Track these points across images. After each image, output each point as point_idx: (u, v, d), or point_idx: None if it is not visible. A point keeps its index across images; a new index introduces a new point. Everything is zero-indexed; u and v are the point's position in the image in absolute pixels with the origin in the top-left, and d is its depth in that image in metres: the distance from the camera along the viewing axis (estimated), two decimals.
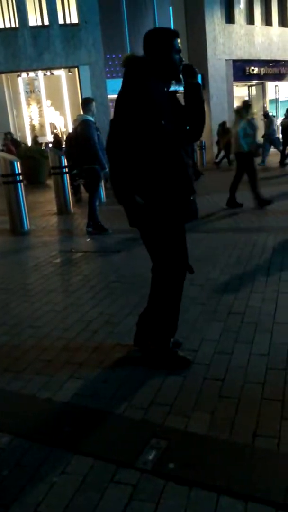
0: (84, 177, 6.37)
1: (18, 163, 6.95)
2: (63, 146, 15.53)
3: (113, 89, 17.48)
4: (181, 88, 2.48)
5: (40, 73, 17.61)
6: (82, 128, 6.04)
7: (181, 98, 2.48)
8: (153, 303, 2.60)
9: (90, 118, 6.11)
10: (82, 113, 6.30)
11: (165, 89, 2.43)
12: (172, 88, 2.49)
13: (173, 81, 2.45)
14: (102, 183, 6.35)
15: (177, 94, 2.50)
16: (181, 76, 2.43)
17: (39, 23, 17.13)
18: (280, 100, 23.30)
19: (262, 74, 21.59)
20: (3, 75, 17.40)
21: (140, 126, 2.27)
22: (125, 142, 2.29)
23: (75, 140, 6.35)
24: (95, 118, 6.34)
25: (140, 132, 2.28)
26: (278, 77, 22.37)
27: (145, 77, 2.32)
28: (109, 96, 17.46)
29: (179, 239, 2.47)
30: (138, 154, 2.31)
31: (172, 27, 18.32)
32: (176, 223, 2.44)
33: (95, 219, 6.39)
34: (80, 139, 6.07)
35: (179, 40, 2.39)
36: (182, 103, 2.48)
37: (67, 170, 8.51)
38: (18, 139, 17.82)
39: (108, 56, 18.22)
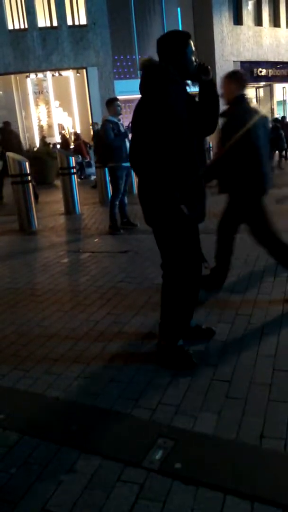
0: None
1: (27, 163, 6.99)
2: (71, 146, 15.60)
3: (121, 90, 17.51)
4: (196, 89, 2.53)
5: (49, 74, 17.68)
6: (102, 128, 6.28)
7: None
8: (165, 300, 2.63)
9: (111, 118, 6.24)
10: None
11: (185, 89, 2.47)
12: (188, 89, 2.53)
13: (190, 81, 2.51)
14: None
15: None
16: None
17: (48, 25, 17.21)
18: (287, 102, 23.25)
19: (270, 75, 21.54)
20: (12, 76, 17.50)
21: (162, 134, 2.32)
22: (154, 151, 2.34)
23: (96, 139, 6.58)
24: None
25: (162, 139, 2.33)
26: (286, 78, 22.31)
27: (165, 85, 2.35)
28: (117, 97, 17.48)
29: (193, 241, 2.53)
30: (158, 159, 2.35)
31: (180, 28, 18.30)
32: (190, 225, 2.49)
33: (112, 216, 6.46)
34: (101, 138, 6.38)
35: (191, 42, 2.46)
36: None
37: (74, 170, 8.56)
38: (26, 140, 17.90)
39: (116, 57, 18.26)
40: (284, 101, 23.05)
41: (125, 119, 19.28)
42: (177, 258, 2.52)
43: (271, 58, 21.28)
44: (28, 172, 7.00)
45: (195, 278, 2.63)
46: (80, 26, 17.28)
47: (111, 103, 6.29)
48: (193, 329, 2.86)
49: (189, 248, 2.53)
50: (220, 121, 2.80)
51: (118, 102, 6.33)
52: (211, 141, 17.39)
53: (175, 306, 2.61)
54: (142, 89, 2.46)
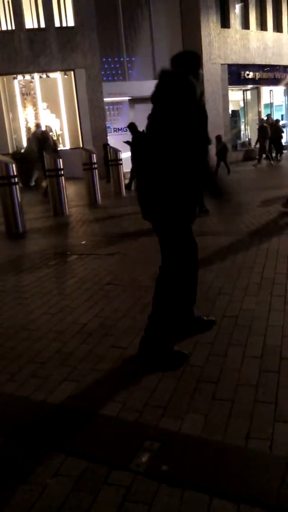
0: None
1: (13, 165, 6.95)
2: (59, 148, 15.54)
3: (109, 92, 17.49)
4: None
5: (36, 75, 17.59)
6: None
7: None
8: (158, 298, 2.69)
9: None
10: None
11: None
12: None
13: None
14: None
15: None
16: None
17: (36, 26, 17.13)
18: (274, 104, 23.43)
19: (257, 78, 21.68)
20: None
21: (181, 142, 2.46)
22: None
23: None
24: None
25: (180, 147, 2.47)
26: (273, 81, 22.47)
27: (191, 98, 2.48)
28: (105, 100, 17.47)
29: (190, 236, 2.73)
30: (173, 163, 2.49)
31: (169, 29, 18.13)
32: (188, 222, 2.69)
33: None
34: None
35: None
36: None
37: (62, 172, 8.55)
38: (14, 142, 17.79)
39: (104, 60, 18.24)
40: (271, 104, 23.22)
41: (113, 122, 19.20)
42: (177, 252, 2.65)
43: (258, 61, 21.40)
44: (15, 174, 6.96)
45: (192, 274, 2.83)
46: (67, 28, 17.22)
47: None
48: (195, 319, 3.00)
49: (188, 243, 2.72)
50: None
51: None
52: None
53: (169, 302, 2.66)
54: (164, 95, 2.54)
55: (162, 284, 2.69)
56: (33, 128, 15.25)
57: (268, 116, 20.01)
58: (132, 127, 11.42)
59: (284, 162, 17.71)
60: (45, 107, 18.36)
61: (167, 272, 2.68)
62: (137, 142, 11.13)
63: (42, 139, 10.45)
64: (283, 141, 19.15)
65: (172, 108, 2.48)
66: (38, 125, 14.00)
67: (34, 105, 18.20)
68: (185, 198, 2.56)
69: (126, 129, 12.38)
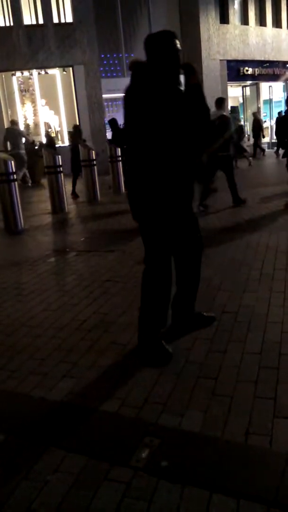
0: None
1: (12, 162, 6.93)
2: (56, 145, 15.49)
3: (108, 88, 17.44)
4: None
5: (35, 72, 17.54)
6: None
7: None
8: (144, 293, 2.72)
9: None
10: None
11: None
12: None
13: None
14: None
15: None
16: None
17: (34, 22, 17.06)
18: (274, 100, 23.38)
19: (256, 74, 21.63)
20: None
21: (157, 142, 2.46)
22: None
23: None
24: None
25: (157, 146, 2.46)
26: (272, 77, 22.42)
27: (168, 87, 2.45)
28: (104, 96, 17.43)
29: (192, 234, 2.74)
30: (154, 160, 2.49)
31: (167, 27, 18.17)
32: (172, 222, 2.65)
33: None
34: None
35: (177, 41, 2.51)
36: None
37: (61, 169, 8.54)
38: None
39: (102, 56, 18.18)
40: (270, 100, 23.17)
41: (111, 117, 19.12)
42: (159, 252, 2.64)
43: (258, 57, 21.36)
44: (14, 171, 6.95)
45: (194, 271, 2.87)
46: (66, 24, 17.16)
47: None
48: (194, 315, 3.01)
49: (166, 242, 2.67)
50: None
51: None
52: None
53: (154, 298, 2.69)
54: (134, 92, 2.53)
55: (145, 280, 2.72)
56: (8, 124, 14.98)
57: (254, 113, 19.62)
58: (112, 122, 11.22)
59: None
60: (44, 103, 18.32)
61: (148, 269, 2.70)
62: (117, 138, 10.98)
63: (75, 133, 10.41)
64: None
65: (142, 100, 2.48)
66: (13, 122, 13.88)
67: (33, 101, 18.15)
68: (170, 195, 2.53)
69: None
